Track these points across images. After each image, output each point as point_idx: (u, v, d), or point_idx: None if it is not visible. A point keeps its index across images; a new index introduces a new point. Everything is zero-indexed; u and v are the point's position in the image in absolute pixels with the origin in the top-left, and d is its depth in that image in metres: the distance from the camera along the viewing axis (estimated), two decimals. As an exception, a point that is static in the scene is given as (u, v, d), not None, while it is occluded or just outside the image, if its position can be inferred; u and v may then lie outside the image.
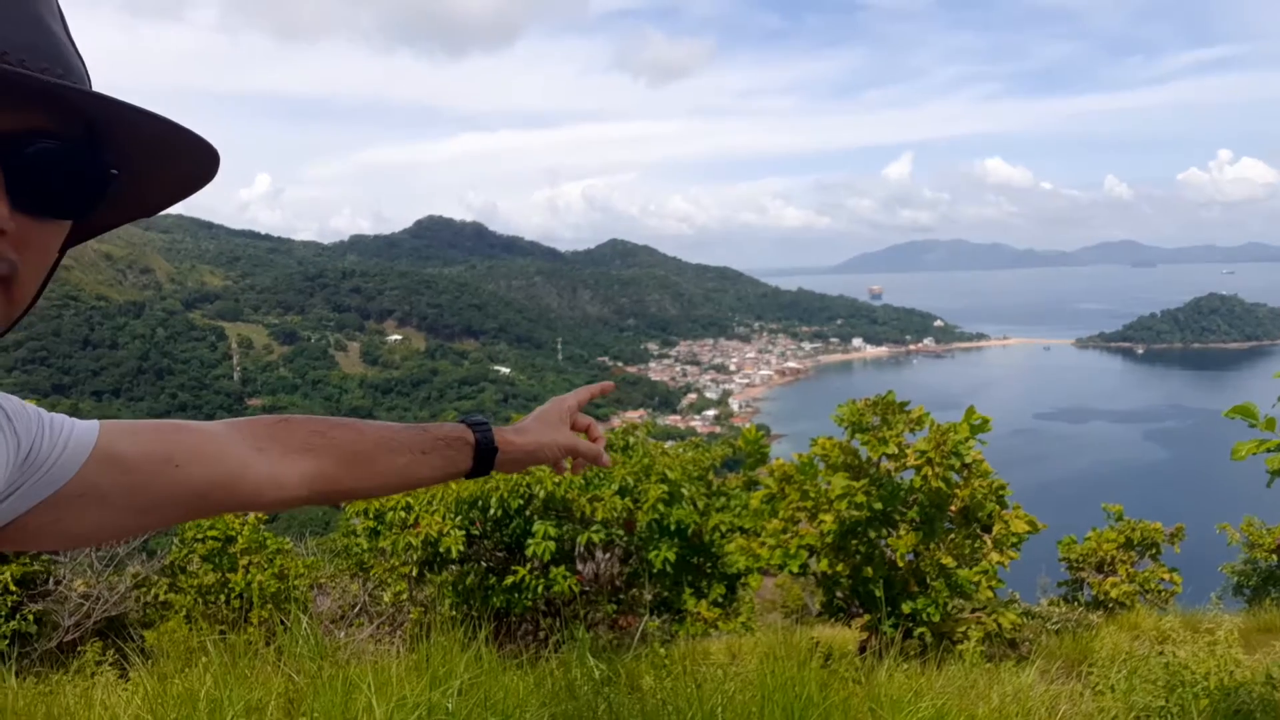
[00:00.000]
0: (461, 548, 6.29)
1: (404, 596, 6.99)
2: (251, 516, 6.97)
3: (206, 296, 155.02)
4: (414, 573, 6.59)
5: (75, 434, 1.00)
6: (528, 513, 6.49)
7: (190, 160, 0.82)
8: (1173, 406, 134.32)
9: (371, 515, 6.53)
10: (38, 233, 0.76)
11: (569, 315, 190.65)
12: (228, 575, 6.61)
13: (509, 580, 6.18)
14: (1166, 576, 8.93)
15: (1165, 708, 3.41)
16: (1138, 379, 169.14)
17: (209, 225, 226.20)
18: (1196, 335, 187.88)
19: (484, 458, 1.34)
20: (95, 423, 1.04)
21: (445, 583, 6.64)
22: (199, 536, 6.74)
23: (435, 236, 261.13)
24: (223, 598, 6.56)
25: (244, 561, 6.66)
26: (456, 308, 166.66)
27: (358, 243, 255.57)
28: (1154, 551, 9.16)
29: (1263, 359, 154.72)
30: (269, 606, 6.36)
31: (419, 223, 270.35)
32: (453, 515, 6.44)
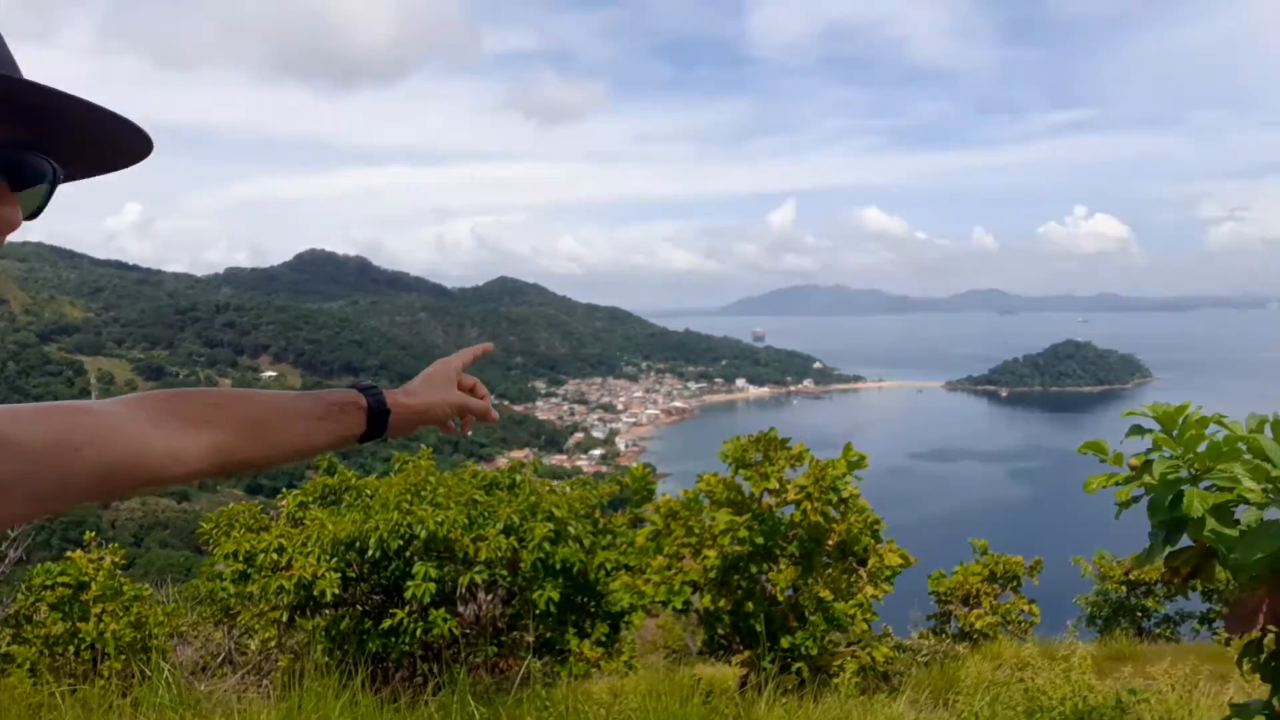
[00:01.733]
0: (337, 590, 6.06)
1: (272, 644, 6.67)
2: (107, 562, 6.55)
3: (65, 329, 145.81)
4: (284, 618, 6.31)
5: None
6: (408, 554, 6.32)
7: (118, 143, 0.83)
8: (1033, 446, 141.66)
9: (241, 557, 6.24)
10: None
11: (455, 352, 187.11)
12: (78, 624, 6.17)
13: (386, 624, 6.00)
14: (1026, 608, 9.40)
15: (1025, 731, 3.56)
16: (1002, 420, 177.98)
17: (70, 254, 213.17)
18: (1054, 379, 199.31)
19: (377, 420, 1.36)
20: None
21: (318, 628, 6.38)
22: (47, 583, 6.28)
23: (317, 271, 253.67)
24: (72, 649, 6.12)
25: (97, 609, 6.23)
26: (336, 344, 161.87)
27: (233, 275, 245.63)
28: (1015, 584, 9.63)
29: (1113, 401, 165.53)
30: (123, 657, 5.96)
31: (299, 256, 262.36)
32: (328, 557, 6.22)
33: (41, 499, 1.02)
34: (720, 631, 6.41)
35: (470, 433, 1.63)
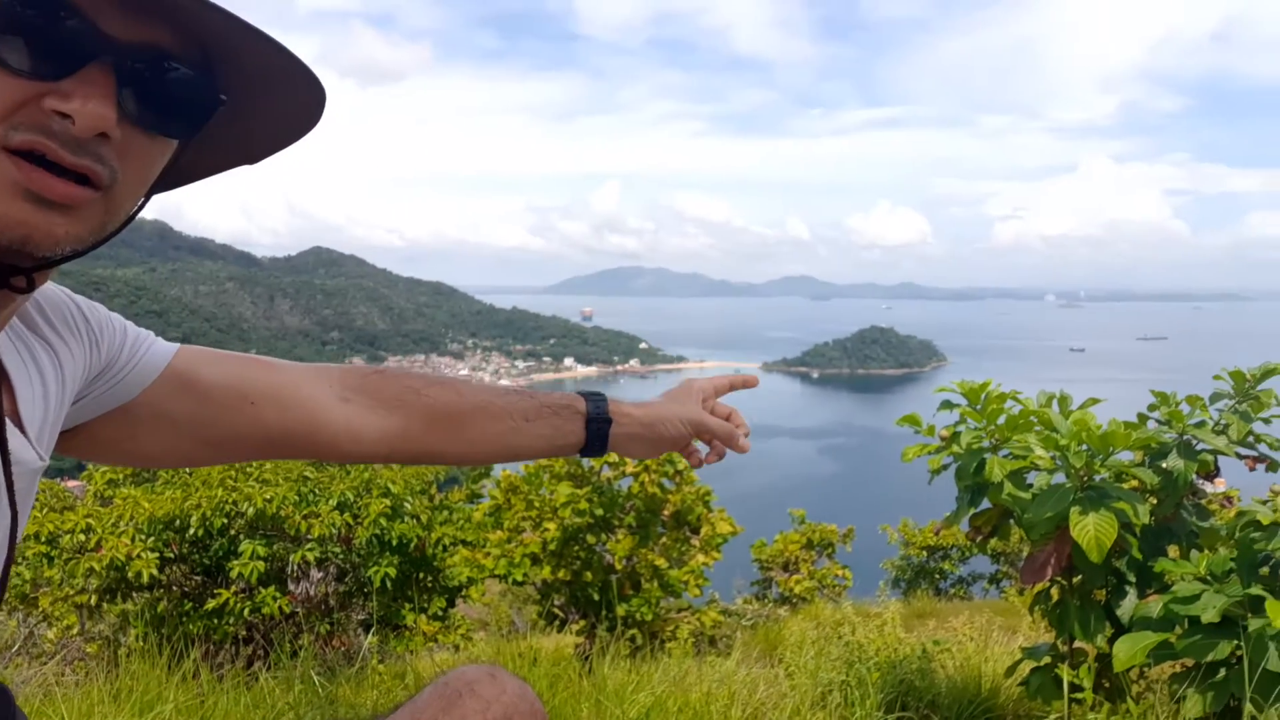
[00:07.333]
0: (154, 571, 5.75)
1: (74, 632, 6.24)
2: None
3: None
4: (92, 601, 5.92)
5: (151, 352, 0.99)
6: (232, 532, 6.07)
7: (298, 98, 0.78)
8: (842, 424, 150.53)
9: (44, 539, 5.80)
10: (142, 146, 0.73)
11: (265, 326, 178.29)
12: None
13: (210, 604, 5.75)
14: (840, 573, 10.10)
15: (846, 680, 3.89)
16: (814, 400, 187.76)
17: None
18: (860, 362, 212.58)
19: (596, 430, 1.23)
20: (175, 346, 1.03)
21: (130, 612, 6.02)
22: None
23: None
24: None
25: None
26: (131, 314, 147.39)
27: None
28: (830, 551, 10.32)
29: (913, 383, 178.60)
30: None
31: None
32: (144, 536, 5.87)
33: (212, 444, 1.04)
34: (557, 603, 6.55)
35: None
